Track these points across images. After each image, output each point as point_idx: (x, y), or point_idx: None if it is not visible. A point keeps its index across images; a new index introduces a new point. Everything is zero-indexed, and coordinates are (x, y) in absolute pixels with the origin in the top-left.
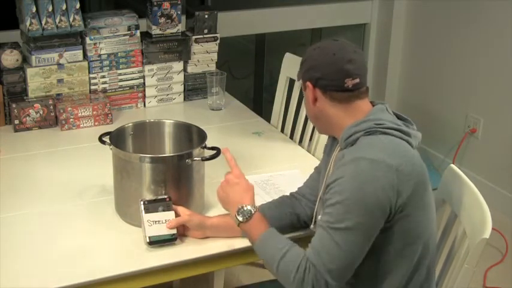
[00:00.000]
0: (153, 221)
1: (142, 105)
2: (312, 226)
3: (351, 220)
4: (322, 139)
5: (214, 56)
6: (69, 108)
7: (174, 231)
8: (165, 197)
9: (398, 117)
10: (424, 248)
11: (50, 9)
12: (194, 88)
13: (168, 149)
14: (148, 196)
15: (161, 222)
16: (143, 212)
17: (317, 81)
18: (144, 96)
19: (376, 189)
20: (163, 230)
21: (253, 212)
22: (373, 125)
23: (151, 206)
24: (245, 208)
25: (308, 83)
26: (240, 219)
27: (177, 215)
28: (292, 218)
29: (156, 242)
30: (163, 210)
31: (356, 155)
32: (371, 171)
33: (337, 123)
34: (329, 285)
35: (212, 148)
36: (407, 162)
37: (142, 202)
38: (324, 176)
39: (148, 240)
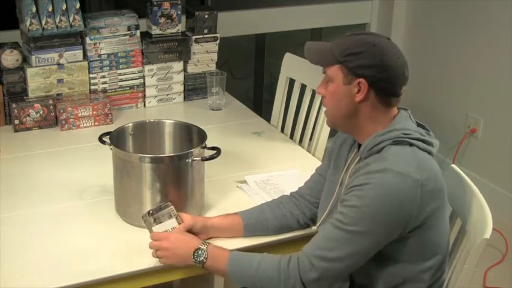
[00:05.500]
0: (162, 231)
1: (142, 105)
2: (314, 227)
3: (363, 226)
4: (322, 139)
5: (214, 56)
6: (69, 108)
7: None
8: (167, 203)
9: (418, 124)
10: (442, 262)
11: (50, 9)
12: (194, 88)
13: (168, 149)
14: (148, 196)
15: (169, 231)
16: (153, 225)
17: (376, 82)
18: (144, 96)
19: (398, 202)
20: None
21: (205, 252)
22: (401, 135)
23: (157, 216)
24: (195, 255)
25: (363, 80)
26: (200, 260)
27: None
28: (290, 218)
29: None
30: (169, 218)
31: (384, 165)
32: (396, 184)
33: (367, 126)
34: (309, 281)
35: (212, 148)
36: (432, 177)
37: (149, 214)
38: (335, 187)
39: None
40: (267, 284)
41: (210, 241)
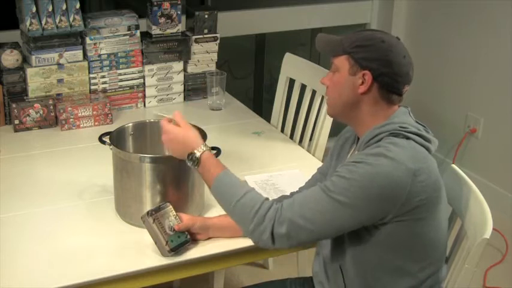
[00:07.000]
0: (165, 231)
1: (142, 105)
2: None
3: (347, 198)
4: (322, 139)
5: (214, 56)
6: (69, 108)
7: (187, 233)
8: (166, 203)
9: (417, 123)
10: (439, 257)
11: (50, 9)
12: (194, 88)
13: None
14: (148, 196)
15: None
16: (155, 227)
17: (380, 75)
18: (144, 96)
19: (386, 185)
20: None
21: (198, 156)
22: (398, 128)
23: (157, 216)
24: (192, 156)
25: (367, 72)
26: (191, 165)
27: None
28: None
29: (176, 248)
30: (168, 218)
31: (380, 150)
32: (388, 168)
33: (367, 120)
34: (279, 235)
35: (212, 148)
36: (425, 169)
37: (148, 215)
38: None
39: (168, 249)
40: (240, 216)
41: (210, 239)
